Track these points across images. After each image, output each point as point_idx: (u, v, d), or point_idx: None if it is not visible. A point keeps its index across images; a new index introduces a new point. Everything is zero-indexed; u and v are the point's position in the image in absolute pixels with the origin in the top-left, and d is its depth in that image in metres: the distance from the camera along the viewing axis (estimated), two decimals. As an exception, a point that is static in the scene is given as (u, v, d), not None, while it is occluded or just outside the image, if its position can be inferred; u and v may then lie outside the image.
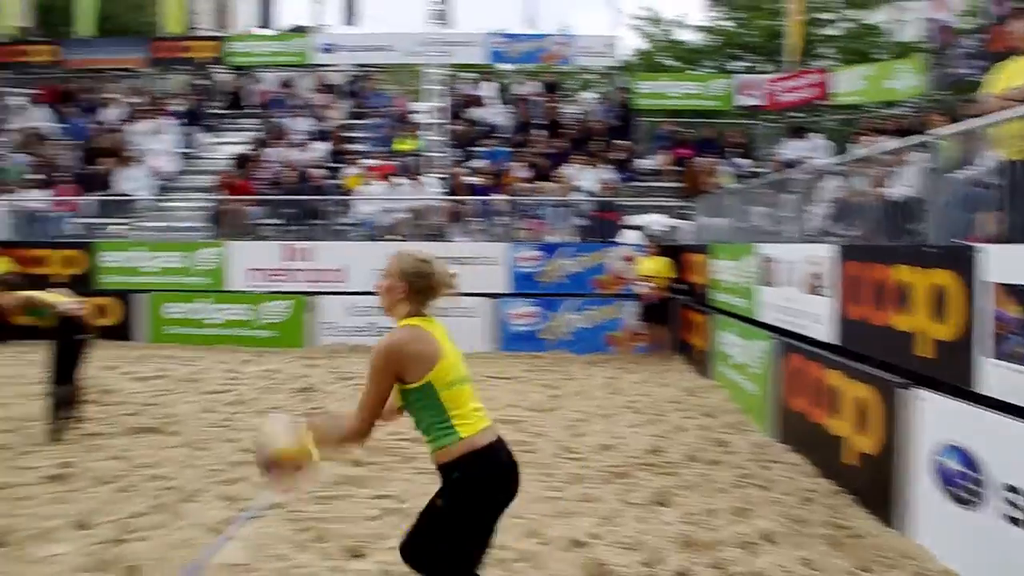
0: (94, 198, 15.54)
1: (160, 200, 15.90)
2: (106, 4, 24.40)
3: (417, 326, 3.32)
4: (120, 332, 13.59)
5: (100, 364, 11.27)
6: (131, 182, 15.78)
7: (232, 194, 15.15)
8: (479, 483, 3.28)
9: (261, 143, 17.03)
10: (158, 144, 17.11)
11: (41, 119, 18.75)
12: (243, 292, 13.82)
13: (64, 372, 7.08)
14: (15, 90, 20.75)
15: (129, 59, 20.26)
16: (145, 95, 19.52)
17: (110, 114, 18.45)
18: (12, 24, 21.67)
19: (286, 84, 19.63)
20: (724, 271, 10.55)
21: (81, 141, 17.46)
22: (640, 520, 5.33)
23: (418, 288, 3.35)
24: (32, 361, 10.91)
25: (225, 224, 14.72)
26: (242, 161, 16.03)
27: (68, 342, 7.17)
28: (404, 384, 3.25)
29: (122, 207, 15.53)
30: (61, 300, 7.29)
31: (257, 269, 13.82)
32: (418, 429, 3.35)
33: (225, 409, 8.53)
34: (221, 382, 10.15)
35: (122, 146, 16.77)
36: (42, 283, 9.42)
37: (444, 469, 3.29)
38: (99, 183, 15.82)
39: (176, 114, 18.44)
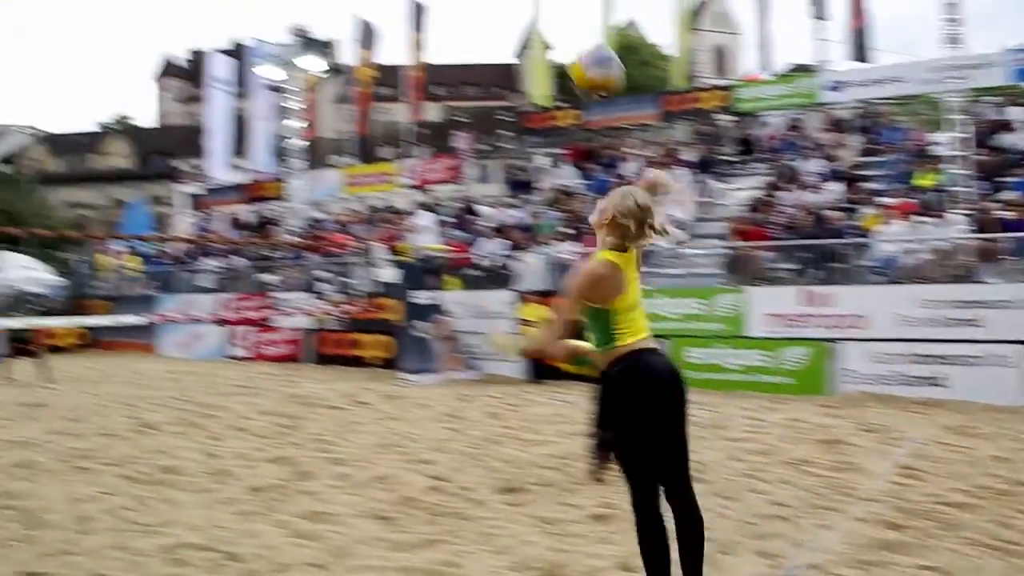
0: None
1: (678, 247, 17.03)
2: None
3: (612, 261, 4.03)
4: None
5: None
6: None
7: (746, 239, 15.68)
8: (631, 376, 4.05)
9: (773, 187, 17.32)
10: (675, 194, 18.45)
11: (568, 177, 21.27)
12: (762, 338, 14.12)
13: (607, 417, 7.94)
14: (544, 151, 23.83)
15: (643, 115, 22.19)
16: (658, 147, 21.20)
17: (628, 168, 20.29)
18: (543, 95, 24.98)
19: (794, 126, 20.01)
20: None
21: (604, 195, 19.38)
22: None
23: (623, 227, 4.05)
24: (568, 402, 12.26)
25: (741, 270, 15.34)
26: (755, 206, 16.66)
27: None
28: (590, 304, 4.03)
29: (645, 257, 16.87)
30: None
31: (775, 315, 14.03)
32: (592, 341, 4.20)
33: (751, 458, 8.48)
34: (744, 429, 10.22)
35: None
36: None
37: (607, 369, 4.14)
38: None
39: (688, 163, 19.66)
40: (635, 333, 4.15)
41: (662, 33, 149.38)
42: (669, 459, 4.17)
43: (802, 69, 22.50)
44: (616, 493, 6.76)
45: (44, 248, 43.11)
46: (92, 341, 25.67)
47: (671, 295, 15.08)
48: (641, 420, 4.07)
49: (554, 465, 8.10)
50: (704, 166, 19.56)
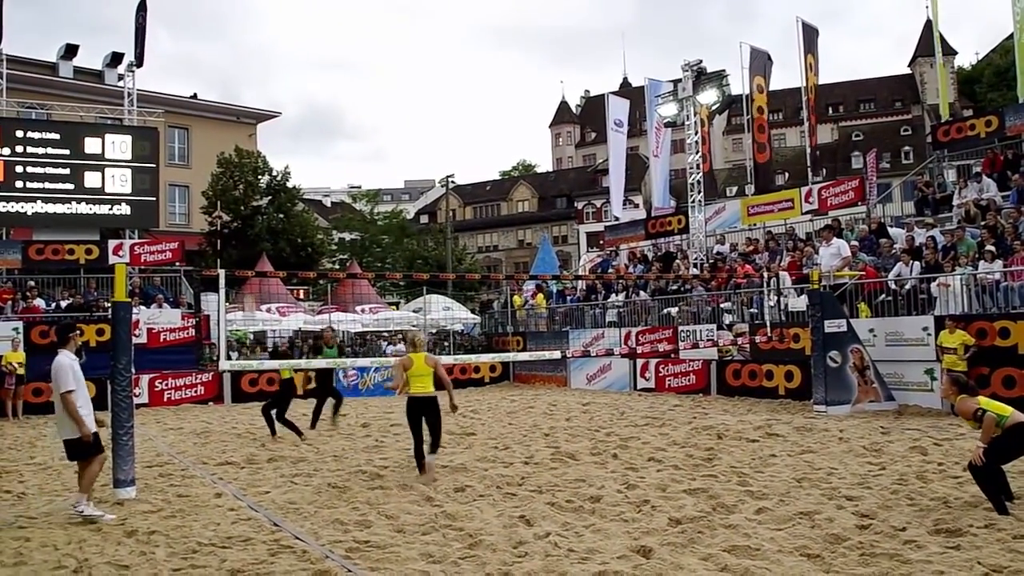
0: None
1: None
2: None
3: None
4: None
5: None
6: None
7: None
8: None
9: None
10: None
11: (986, 190, 19.89)
12: None
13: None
14: (956, 164, 22.45)
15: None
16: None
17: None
18: (946, 103, 23.54)
19: None
20: None
21: (1030, 207, 17.88)
22: None
23: None
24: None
25: None
26: None
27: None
28: None
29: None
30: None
31: None
32: None
33: None
34: None
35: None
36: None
37: None
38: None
39: None
40: None
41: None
42: None
43: None
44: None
45: (462, 289, 47.77)
46: (507, 374, 28.02)
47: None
48: None
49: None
50: None
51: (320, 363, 14.92)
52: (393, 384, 11.01)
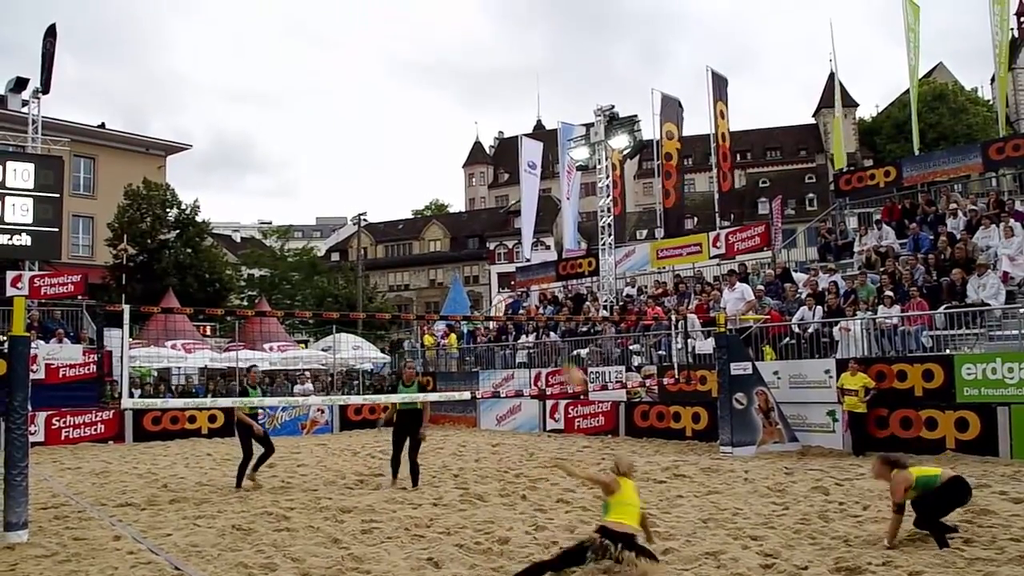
0: (945, 311, 16.21)
1: (1013, 307, 15.96)
2: (928, 115, 25.94)
3: None
4: (981, 447, 14.08)
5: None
6: (983, 291, 16.21)
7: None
8: None
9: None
10: (1005, 248, 17.38)
11: (885, 237, 20.68)
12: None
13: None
14: (857, 212, 23.33)
15: (965, 166, 21.24)
16: (986, 199, 20.10)
17: (952, 224, 19.41)
18: (846, 154, 24.53)
19: None
20: None
21: (925, 254, 18.62)
22: None
23: None
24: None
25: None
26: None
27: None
28: None
29: (976, 317, 15.89)
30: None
31: None
32: None
33: None
34: None
35: (968, 254, 17.48)
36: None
37: None
38: (950, 294, 16.71)
39: (1019, 214, 18.43)
40: None
41: (973, 72, 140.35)
42: None
43: None
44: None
45: (372, 328, 47.42)
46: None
47: (1010, 359, 14.25)
48: None
49: (897, 544, 7.81)
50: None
51: (226, 402, 14.62)
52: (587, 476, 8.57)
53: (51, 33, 30.72)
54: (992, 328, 15.89)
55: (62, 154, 30.25)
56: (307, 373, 30.15)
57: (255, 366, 15.84)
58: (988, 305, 15.83)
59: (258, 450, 13.48)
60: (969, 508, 8.85)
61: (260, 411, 14.67)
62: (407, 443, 13.03)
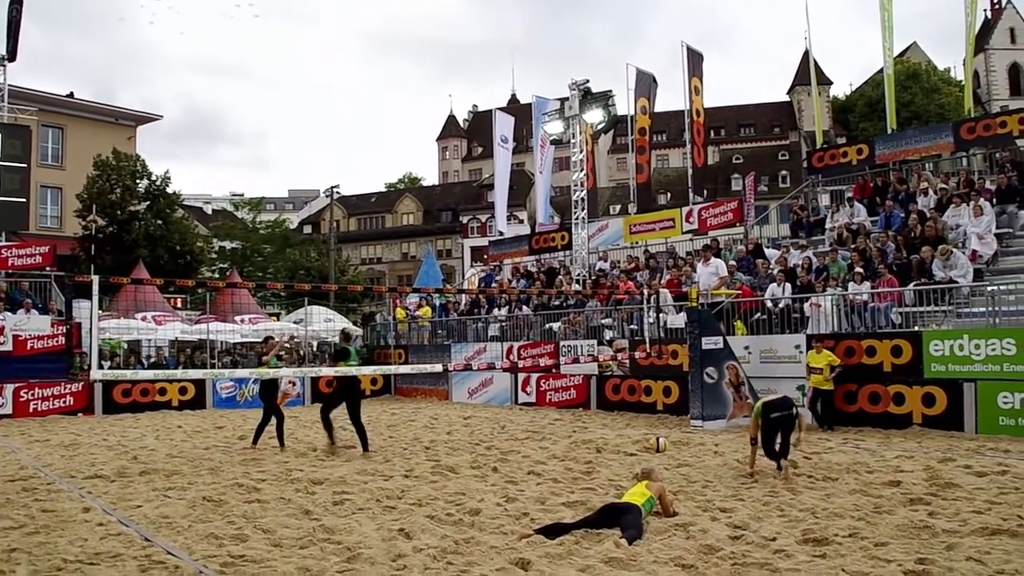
0: (914, 288, 16.45)
1: (981, 285, 16.17)
2: (902, 94, 26.15)
3: None
4: (947, 422, 14.34)
5: (930, 455, 12.12)
6: (951, 269, 16.35)
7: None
8: None
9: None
10: (974, 227, 17.58)
11: (857, 215, 20.83)
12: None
13: None
14: (830, 189, 23.48)
15: (936, 145, 21.42)
16: (956, 178, 20.29)
17: (923, 202, 19.59)
18: (821, 131, 24.68)
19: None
20: None
21: (896, 232, 18.80)
22: None
23: None
24: (867, 448, 12.09)
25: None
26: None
27: None
28: None
29: (944, 294, 16.10)
30: None
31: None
32: None
33: None
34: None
35: (938, 232, 17.67)
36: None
37: None
38: (918, 272, 16.91)
39: (989, 192, 18.69)
40: None
41: (947, 52, 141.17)
42: None
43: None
44: (933, 550, 6.74)
45: (345, 301, 47.27)
46: (388, 387, 27.89)
47: (976, 335, 14.46)
48: None
49: (863, 516, 7.97)
50: (1005, 196, 18.49)
51: (197, 373, 14.57)
52: None
53: (18, 0, 30.20)
54: (960, 305, 16.10)
55: (30, 123, 29.89)
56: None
57: (271, 336, 15.89)
58: (956, 283, 16.01)
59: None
60: (934, 481, 9.07)
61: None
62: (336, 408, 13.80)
